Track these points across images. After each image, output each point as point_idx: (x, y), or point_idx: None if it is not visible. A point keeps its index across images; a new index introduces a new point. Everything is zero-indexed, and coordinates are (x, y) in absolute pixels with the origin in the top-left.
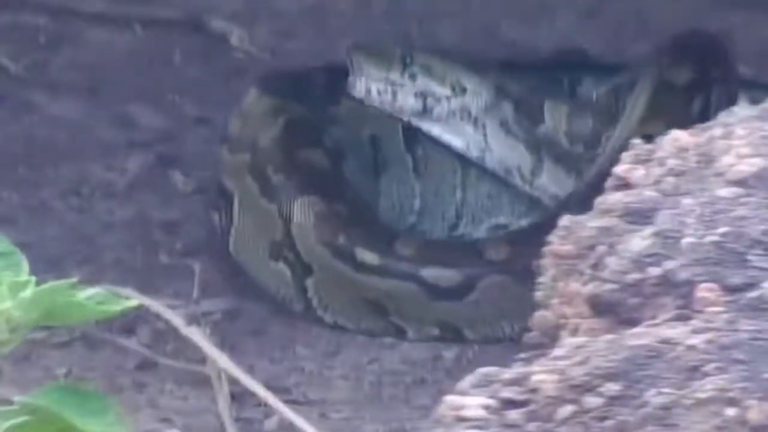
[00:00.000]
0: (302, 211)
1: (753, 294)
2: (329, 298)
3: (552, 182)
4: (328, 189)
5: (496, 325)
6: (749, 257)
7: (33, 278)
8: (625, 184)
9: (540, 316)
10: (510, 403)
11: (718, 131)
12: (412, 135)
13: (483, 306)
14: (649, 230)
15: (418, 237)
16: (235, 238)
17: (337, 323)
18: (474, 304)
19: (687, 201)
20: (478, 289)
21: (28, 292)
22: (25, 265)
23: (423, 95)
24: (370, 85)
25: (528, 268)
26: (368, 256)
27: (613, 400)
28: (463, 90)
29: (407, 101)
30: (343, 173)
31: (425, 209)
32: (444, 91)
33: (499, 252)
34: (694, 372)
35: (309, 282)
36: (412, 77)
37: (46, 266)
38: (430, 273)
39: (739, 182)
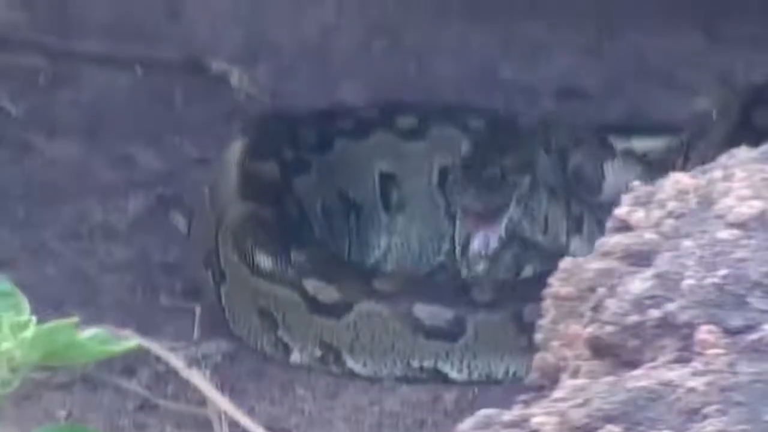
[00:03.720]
0: (231, 216)
1: (753, 336)
2: (234, 307)
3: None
4: (265, 196)
5: (378, 358)
6: (749, 299)
7: (34, 318)
8: (625, 226)
9: (540, 357)
10: None
11: (718, 173)
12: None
13: (361, 331)
14: (649, 272)
15: (319, 250)
16: (191, 248)
17: (241, 336)
18: (351, 326)
19: (687, 243)
20: (355, 311)
21: (28, 333)
22: (26, 306)
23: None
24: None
25: (410, 308)
26: (263, 260)
27: None
28: None
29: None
30: (291, 184)
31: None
32: None
33: (387, 284)
34: (695, 414)
35: (223, 289)
36: None
37: (46, 307)
38: (311, 284)
39: (740, 224)
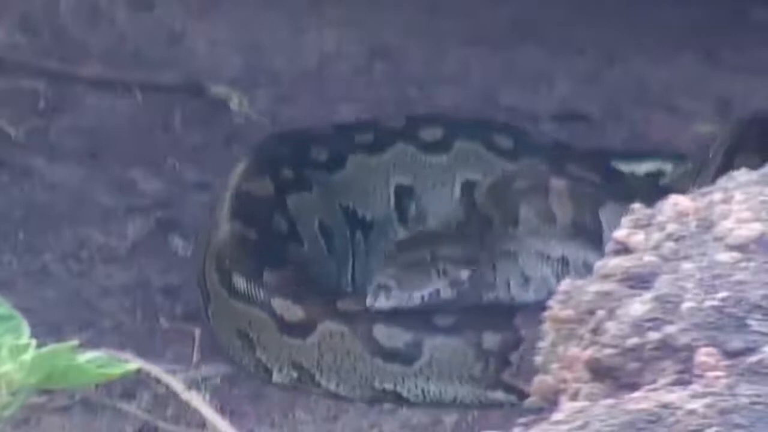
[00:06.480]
0: (216, 237)
1: (753, 358)
2: (219, 328)
3: None
4: (253, 215)
5: (345, 378)
6: (749, 322)
7: (33, 341)
8: (624, 249)
9: (540, 380)
10: None
11: (717, 196)
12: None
13: (324, 352)
14: (648, 295)
15: (292, 270)
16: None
17: (232, 358)
18: (316, 347)
19: (687, 265)
20: (318, 331)
21: (28, 356)
22: (26, 329)
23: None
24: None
25: (369, 330)
26: (238, 281)
27: None
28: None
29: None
30: (285, 202)
31: None
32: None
33: (351, 305)
34: None
35: (210, 310)
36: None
37: (46, 331)
38: (278, 304)
39: (739, 247)
